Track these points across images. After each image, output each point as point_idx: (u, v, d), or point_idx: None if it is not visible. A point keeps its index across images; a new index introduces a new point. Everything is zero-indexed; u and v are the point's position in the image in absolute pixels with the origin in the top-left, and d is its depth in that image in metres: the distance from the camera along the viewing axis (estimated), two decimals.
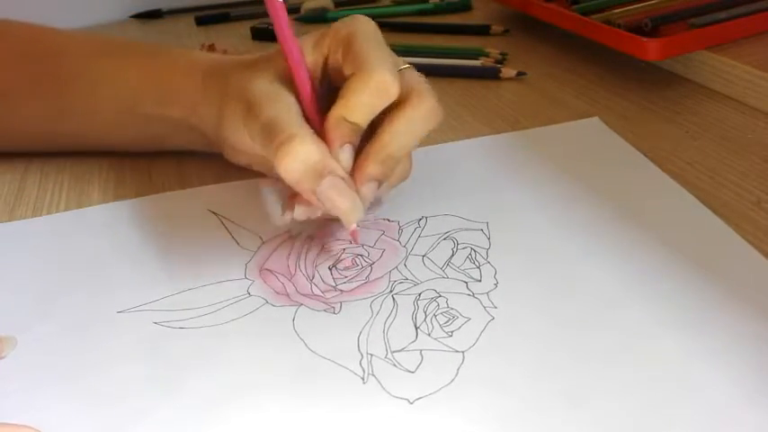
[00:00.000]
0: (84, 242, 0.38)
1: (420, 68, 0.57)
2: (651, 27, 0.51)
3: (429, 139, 0.46)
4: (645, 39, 0.48)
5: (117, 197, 0.42)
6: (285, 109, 0.32)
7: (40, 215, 0.41)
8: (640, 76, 0.53)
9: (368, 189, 0.33)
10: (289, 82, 0.34)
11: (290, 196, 0.34)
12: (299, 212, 0.34)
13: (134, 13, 0.82)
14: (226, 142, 0.38)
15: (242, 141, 0.36)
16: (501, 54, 0.59)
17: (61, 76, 0.43)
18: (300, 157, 0.30)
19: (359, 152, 0.33)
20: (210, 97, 0.38)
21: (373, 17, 0.78)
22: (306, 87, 0.34)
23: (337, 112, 0.32)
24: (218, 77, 0.38)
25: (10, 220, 0.40)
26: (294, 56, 0.33)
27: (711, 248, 0.34)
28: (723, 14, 0.51)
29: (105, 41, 0.46)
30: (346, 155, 0.33)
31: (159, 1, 0.82)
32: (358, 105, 0.32)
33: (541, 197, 0.39)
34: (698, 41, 0.50)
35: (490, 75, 0.55)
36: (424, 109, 0.34)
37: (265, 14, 0.77)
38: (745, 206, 0.37)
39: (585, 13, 0.55)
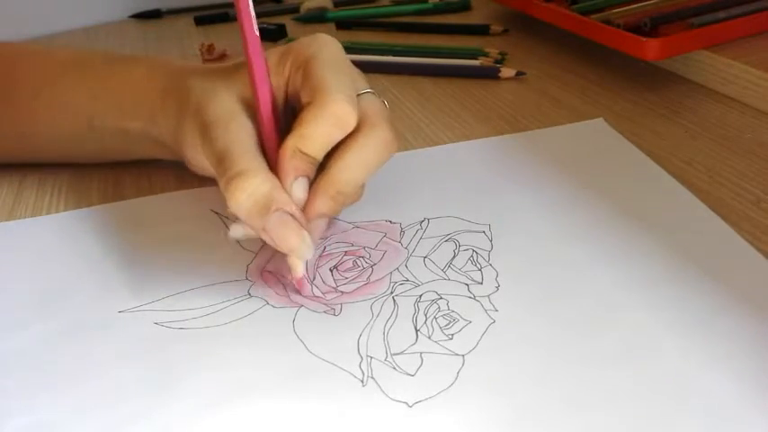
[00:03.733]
0: (85, 242, 0.38)
1: (419, 68, 0.58)
2: (650, 27, 0.51)
3: (429, 140, 0.46)
4: (644, 38, 0.48)
5: (116, 198, 0.42)
6: (239, 137, 0.31)
7: (40, 215, 0.41)
8: (639, 76, 0.53)
9: (317, 225, 0.32)
10: (249, 103, 0.33)
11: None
12: (236, 231, 0.32)
13: (133, 13, 0.82)
14: (184, 156, 0.38)
15: (199, 160, 0.36)
16: (500, 54, 0.59)
17: (16, 99, 0.42)
18: (248, 192, 0.30)
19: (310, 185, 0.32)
20: (169, 109, 0.37)
21: (373, 17, 0.78)
22: (267, 111, 0.32)
23: (292, 142, 0.31)
24: (177, 88, 0.37)
25: (9, 220, 0.40)
26: (260, 78, 0.32)
27: (714, 251, 0.34)
28: (722, 14, 0.51)
29: (59, 57, 0.44)
30: (300, 188, 0.32)
31: (158, 1, 0.82)
32: (313, 137, 0.31)
33: (545, 199, 0.39)
34: (697, 41, 0.50)
35: (489, 75, 0.55)
36: (377, 139, 0.33)
37: (264, 15, 0.78)
38: (744, 205, 0.37)
39: (585, 12, 0.55)
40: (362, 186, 0.35)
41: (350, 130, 0.32)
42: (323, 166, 0.33)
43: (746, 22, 0.52)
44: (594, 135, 0.45)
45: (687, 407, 0.26)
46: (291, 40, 0.64)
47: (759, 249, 0.33)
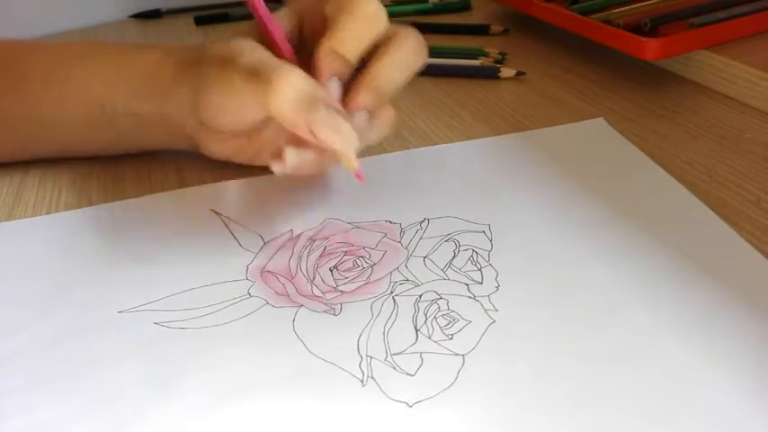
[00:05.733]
0: (85, 242, 0.38)
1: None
2: (650, 27, 0.51)
3: (429, 140, 0.46)
4: (644, 38, 0.48)
5: (116, 197, 0.42)
6: (267, 54, 0.33)
7: (40, 215, 0.41)
8: (640, 76, 0.53)
9: (359, 119, 0.33)
10: (265, 44, 0.35)
11: (275, 153, 0.34)
12: (291, 155, 0.33)
13: (133, 13, 0.82)
14: (203, 119, 0.38)
15: (221, 105, 0.35)
16: (500, 54, 0.59)
17: (26, 88, 0.42)
18: (293, 86, 0.31)
19: (347, 90, 0.34)
20: (184, 80, 0.38)
21: None
22: (285, 44, 0.34)
23: (327, 44, 0.33)
24: (191, 62, 0.38)
25: (9, 220, 0.40)
26: (268, 18, 0.34)
27: (714, 251, 0.34)
28: (723, 14, 0.51)
29: (72, 46, 0.45)
30: (335, 87, 0.33)
31: (158, 1, 0.82)
32: (348, 36, 0.33)
33: (545, 199, 0.39)
34: (697, 41, 0.50)
35: (489, 74, 0.55)
36: (411, 43, 0.34)
37: None
38: (744, 205, 0.37)
39: (585, 12, 0.55)
40: (392, 110, 0.36)
41: (381, 27, 0.34)
42: (360, 71, 0.34)
43: (746, 22, 0.52)
44: (594, 135, 0.45)
45: (688, 405, 0.26)
46: None
47: (759, 249, 0.33)
